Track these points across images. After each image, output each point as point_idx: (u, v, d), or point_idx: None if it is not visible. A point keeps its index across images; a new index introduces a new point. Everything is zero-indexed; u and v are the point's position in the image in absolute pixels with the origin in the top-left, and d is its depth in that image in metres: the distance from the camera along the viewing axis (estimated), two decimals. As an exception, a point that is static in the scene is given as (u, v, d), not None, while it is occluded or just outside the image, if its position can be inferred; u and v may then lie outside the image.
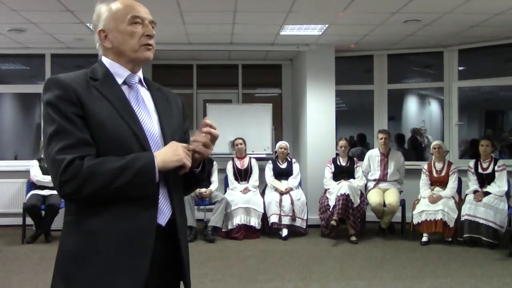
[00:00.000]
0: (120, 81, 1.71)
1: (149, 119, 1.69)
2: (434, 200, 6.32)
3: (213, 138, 1.71)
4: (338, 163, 7.00)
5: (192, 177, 1.76)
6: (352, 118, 9.32)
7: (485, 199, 6.05)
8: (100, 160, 1.55)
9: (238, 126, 7.69)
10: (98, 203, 1.57)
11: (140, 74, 1.78)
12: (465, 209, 6.11)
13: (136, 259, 1.57)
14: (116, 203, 1.57)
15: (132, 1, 1.75)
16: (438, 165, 6.64)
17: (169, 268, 1.71)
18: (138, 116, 1.67)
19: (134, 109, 1.68)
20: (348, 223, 6.48)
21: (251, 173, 7.13)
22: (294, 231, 6.79)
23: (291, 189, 6.91)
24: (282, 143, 7.27)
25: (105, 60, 1.74)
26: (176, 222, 1.69)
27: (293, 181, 7.04)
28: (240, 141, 7.21)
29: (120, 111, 1.63)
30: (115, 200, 1.56)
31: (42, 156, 6.55)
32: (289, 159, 7.25)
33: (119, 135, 1.60)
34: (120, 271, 1.55)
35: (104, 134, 1.59)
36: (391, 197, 6.63)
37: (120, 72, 1.72)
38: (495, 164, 6.29)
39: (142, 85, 1.78)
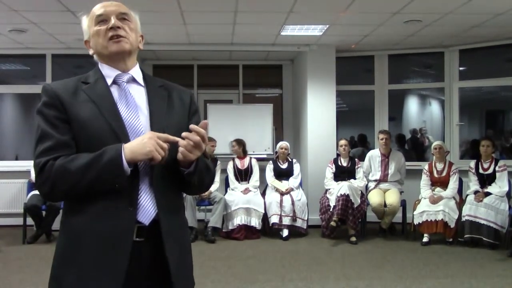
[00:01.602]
0: (109, 81, 1.73)
1: (135, 117, 1.68)
2: (435, 200, 6.32)
3: (196, 144, 1.61)
4: (339, 163, 6.99)
5: (181, 177, 1.70)
6: (353, 118, 9.32)
7: (486, 200, 6.05)
8: (70, 158, 1.59)
9: (239, 126, 7.69)
10: (80, 204, 1.60)
11: (134, 71, 1.78)
12: (466, 209, 6.11)
13: (114, 259, 1.57)
14: (97, 203, 1.59)
15: (101, 3, 1.76)
16: (439, 166, 6.64)
17: (159, 268, 1.68)
18: (123, 114, 1.67)
19: (120, 108, 1.68)
20: (347, 224, 6.48)
21: (251, 173, 7.13)
22: (295, 232, 6.78)
23: (292, 189, 6.90)
24: (282, 143, 7.27)
25: (99, 64, 1.79)
26: (160, 223, 1.65)
27: (293, 181, 7.03)
28: (234, 143, 7.20)
29: (103, 111, 1.65)
30: (95, 200, 1.59)
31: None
32: (290, 159, 7.25)
33: (100, 135, 1.62)
34: (99, 271, 1.57)
35: (86, 135, 1.63)
36: (392, 197, 6.63)
37: (109, 73, 1.75)
38: (495, 165, 6.28)
39: (136, 82, 1.78)
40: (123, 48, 1.72)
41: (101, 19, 1.72)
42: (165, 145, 1.59)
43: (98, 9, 1.74)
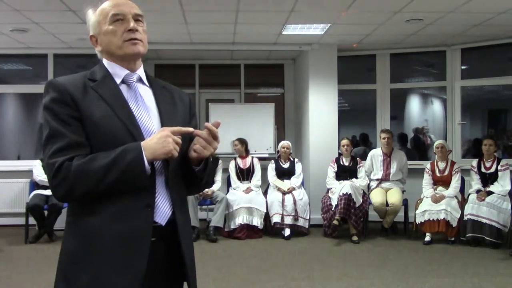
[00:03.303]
0: (118, 80, 1.72)
1: (147, 117, 1.68)
2: (437, 199, 6.31)
3: (214, 136, 1.66)
4: (341, 162, 6.99)
5: (191, 175, 1.71)
6: (355, 117, 9.30)
7: (488, 199, 6.04)
8: (88, 159, 1.55)
9: (241, 125, 7.68)
10: (95, 204, 1.57)
11: (140, 72, 1.78)
12: (468, 208, 6.10)
13: (132, 260, 1.56)
14: (113, 204, 1.57)
15: (113, 1, 1.73)
16: (441, 165, 6.63)
17: (172, 268, 1.70)
18: (136, 114, 1.66)
19: (132, 107, 1.67)
20: (350, 223, 6.47)
21: (253, 172, 7.12)
22: (297, 231, 6.78)
23: (294, 188, 6.90)
24: (284, 143, 7.27)
25: (105, 61, 1.76)
26: (176, 222, 1.67)
27: (295, 180, 7.03)
28: (236, 142, 7.20)
29: (116, 110, 1.63)
30: (112, 200, 1.57)
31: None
32: (292, 159, 7.25)
33: (114, 135, 1.60)
34: (117, 272, 1.55)
35: (99, 134, 1.60)
36: (394, 196, 6.62)
37: (118, 72, 1.72)
38: (498, 164, 6.28)
39: (143, 83, 1.77)
40: (139, 51, 1.71)
41: (118, 18, 1.69)
42: (180, 140, 1.60)
43: (113, 7, 1.70)
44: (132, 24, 1.69)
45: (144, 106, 1.70)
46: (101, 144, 1.59)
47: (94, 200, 1.57)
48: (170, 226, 1.66)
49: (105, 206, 1.57)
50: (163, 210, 1.65)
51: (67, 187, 1.55)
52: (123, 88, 1.71)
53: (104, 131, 1.60)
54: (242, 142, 7.21)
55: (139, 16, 1.73)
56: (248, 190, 6.89)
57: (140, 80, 1.77)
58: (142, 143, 1.57)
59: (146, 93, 1.75)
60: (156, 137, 1.57)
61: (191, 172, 1.70)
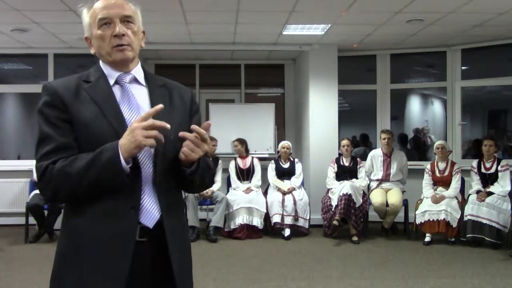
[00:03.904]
0: (112, 81, 1.71)
1: (137, 117, 1.66)
2: (437, 200, 6.31)
3: (196, 144, 1.61)
4: (341, 163, 6.99)
5: (183, 176, 1.68)
6: (355, 118, 9.32)
7: (488, 199, 6.04)
8: (69, 161, 1.57)
9: (241, 126, 7.69)
10: (82, 205, 1.59)
11: (136, 71, 1.76)
12: (468, 209, 6.10)
13: (116, 260, 1.56)
14: (99, 205, 1.58)
15: (103, 2, 1.71)
16: (441, 165, 6.63)
17: (162, 270, 1.68)
18: (126, 115, 1.65)
19: (123, 108, 1.66)
20: (350, 223, 6.47)
21: (253, 172, 7.12)
22: (297, 231, 6.78)
23: (294, 189, 6.90)
24: (284, 143, 7.27)
25: (101, 63, 1.76)
26: (163, 225, 1.64)
27: (295, 181, 7.03)
28: (236, 142, 7.20)
29: (105, 111, 1.63)
30: (98, 201, 1.57)
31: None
32: (292, 159, 7.25)
33: (102, 136, 1.60)
34: (100, 273, 1.56)
35: (88, 135, 1.61)
36: (394, 197, 6.62)
37: (111, 73, 1.72)
38: (498, 164, 6.27)
39: (138, 82, 1.76)
40: (127, 57, 1.70)
41: (105, 22, 1.67)
42: (153, 123, 1.54)
43: (100, 10, 1.68)
44: (117, 29, 1.67)
45: (136, 106, 1.69)
46: (90, 145, 1.59)
47: (82, 201, 1.59)
48: (158, 229, 1.64)
49: (91, 208, 1.58)
50: (150, 212, 1.63)
51: (52, 189, 1.58)
52: (116, 89, 1.71)
53: (92, 132, 1.60)
54: (242, 142, 7.21)
55: (128, 18, 1.70)
56: (248, 190, 6.89)
57: (134, 79, 1.75)
58: (119, 141, 1.56)
59: (140, 92, 1.74)
60: (126, 134, 1.56)
61: (183, 174, 1.68)
